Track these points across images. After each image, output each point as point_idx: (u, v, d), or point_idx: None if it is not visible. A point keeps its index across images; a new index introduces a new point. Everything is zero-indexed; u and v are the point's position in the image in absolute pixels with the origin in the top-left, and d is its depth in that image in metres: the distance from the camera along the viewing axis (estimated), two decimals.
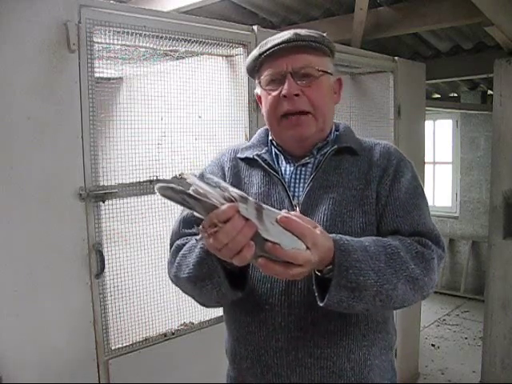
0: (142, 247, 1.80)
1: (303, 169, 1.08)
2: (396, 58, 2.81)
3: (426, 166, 3.29)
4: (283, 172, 1.09)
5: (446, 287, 5.48)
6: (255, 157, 1.09)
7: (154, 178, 1.75)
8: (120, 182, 1.66)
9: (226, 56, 2.05)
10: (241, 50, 2.00)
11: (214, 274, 0.91)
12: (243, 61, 2.00)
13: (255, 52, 1.07)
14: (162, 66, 1.98)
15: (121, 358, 1.66)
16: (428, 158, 5.07)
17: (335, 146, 1.06)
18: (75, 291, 1.55)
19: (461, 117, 5.48)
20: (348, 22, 2.99)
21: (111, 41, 1.68)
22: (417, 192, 1.04)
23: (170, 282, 1.90)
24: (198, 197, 0.74)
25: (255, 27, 2.02)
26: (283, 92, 1.01)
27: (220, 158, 1.18)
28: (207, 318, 1.91)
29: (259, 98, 1.13)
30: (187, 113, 1.90)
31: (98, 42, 1.62)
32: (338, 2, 3.10)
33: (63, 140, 1.50)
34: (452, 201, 5.67)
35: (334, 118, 1.15)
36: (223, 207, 0.73)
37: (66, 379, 1.51)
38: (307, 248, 0.79)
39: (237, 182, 1.10)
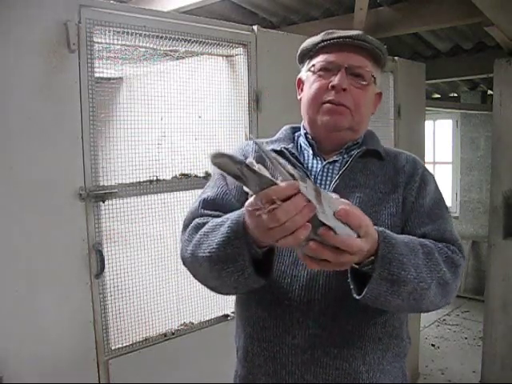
0: (141, 247, 1.80)
1: (330, 167, 1.08)
2: (396, 58, 2.81)
3: (426, 166, 3.28)
4: (310, 167, 1.09)
5: None
6: (283, 149, 1.08)
7: (154, 178, 1.75)
8: (120, 182, 1.66)
9: (226, 56, 2.05)
10: (241, 50, 2.00)
11: (238, 258, 0.84)
12: (243, 61, 2.00)
13: (317, 37, 1.08)
14: (161, 66, 1.98)
15: (121, 358, 1.66)
16: (428, 158, 5.07)
17: (363, 148, 1.08)
18: (75, 291, 1.55)
19: (461, 117, 5.48)
20: (348, 21, 2.99)
21: (111, 41, 1.68)
22: (441, 203, 1.06)
23: (169, 282, 1.91)
24: (258, 170, 0.67)
25: (255, 27, 2.02)
26: (333, 82, 1.03)
27: (243, 147, 1.14)
28: (207, 318, 1.91)
29: (300, 82, 1.14)
30: (187, 113, 1.90)
31: (98, 42, 1.62)
32: (337, 2, 3.10)
33: (63, 140, 1.50)
34: (452, 201, 5.67)
35: None
36: (284, 184, 0.68)
37: (66, 379, 1.51)
38: (358, 236, 0.77)
39: None
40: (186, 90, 1.88)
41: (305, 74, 1.12)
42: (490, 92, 4.99)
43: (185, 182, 1.84)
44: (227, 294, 1.05)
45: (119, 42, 1.71)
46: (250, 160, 0.67)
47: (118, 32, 1.62)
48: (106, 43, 1.68)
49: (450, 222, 1.05)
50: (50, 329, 1.50)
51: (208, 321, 1.91)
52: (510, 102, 2.91)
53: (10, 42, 1.38)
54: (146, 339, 1.74)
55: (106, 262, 1.60)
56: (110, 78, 1.89)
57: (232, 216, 0.86)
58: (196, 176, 1.88)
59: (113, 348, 1.65)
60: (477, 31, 3.31)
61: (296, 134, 1.16)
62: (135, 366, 1.70)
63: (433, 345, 4.08)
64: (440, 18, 2.86)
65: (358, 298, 0.85)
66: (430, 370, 3.58)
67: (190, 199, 1.88)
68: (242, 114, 2.01)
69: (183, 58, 1.95)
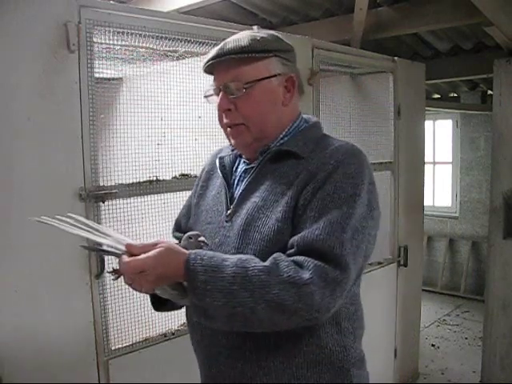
0: None
1: (248, 172, 1.10)
2: (396, 58, 2.81)
3: (426, 165, 3.29)
4: (238, 172, 1.13)
5: (446, 287, 5.48)
6: (217, 160, 1.16)
7: (154, 178, 1.75)
8: (120, 182, 1.66)
9: None
10: None
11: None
12: None
13: None
14: (161, 66, 1.98)
15: (121, 358, 1.66)
16: (428, 158, 5.07)
17: (273, 149, 1.05)
18: (75, 291, 1.55)
19: (461, 117, 5.48)
20: (348, 22, 2.99)
21: (111, 41, 1.68)
22: (340, 201, 0.93)
23: None
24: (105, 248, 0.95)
25: (255, 27, 2.02)
26: (217, 107, 1.06)
27: (210, 158, 1.27)
28: None
29: None
30: (187, 113, 1.90)
31: (97, 42, 1.62)
32: (337, 2, 3.10)
33: (63, 140, 1.50)
34: (452, 201, 5.67)
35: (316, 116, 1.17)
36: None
37: (65, 379, 1.51)
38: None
39: (205, 186, 1.20)
40: (185, 89, 1.88)
41: None
42: (489, 92, 4.99)
43: (185, 181, 1.84)
44: None
45: (119, 42, 1.71)
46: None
47: (118, 32, 1.62)
48: (105, 43, 1.69)
49: (338, 226, 0.91)
50: (49, 329, 1.50)
51: None
52: (510, 102, 2.91)
53: (10, 42, 1.38)
54: (145, 339, 1.74)
55: (105, 262, 1.60)
56: (110, 78, 1.90)
57: None
58: (196, 176, 1.87)
59: (113, 348, 1.65)
60: (477, 31, 3.32)
61: None
62: (135, 365, 1.70)
63: (433, 345, 4.08)
64: (440, 18, 2.87)
65: None
66: (430, 370, 3.58)
67: None
68: None
69: (183, 57, 1.95)
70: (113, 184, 1.63)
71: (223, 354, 1.02)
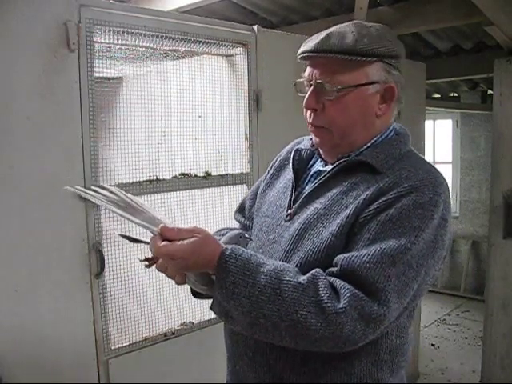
0: (141, 247, 1.79)
1: (321, 174, 1.03)
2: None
3: None
4: (313, 170, 1.06)
5: (446, 287, 5.48)
6: (293, 151, 1.08)
7: (154, 177, 1.75)
8: (120, 181, 1.66)
9: (226, 56, 2.05)
10: (241, 49, 2.00)
11: None
12: (243, 60, 2.00)
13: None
14: (161, 66, 1.98)
15: (121, 358, 1.66)
16: (428, 157, 5.07)
17: (350, 158, 0.97)
18: (75, 291, 1.55)
19: (461, 117, 5.49)
20: (348, 21, 2.98)
21: (111, 40, 1.68)
22: (401, 231, 0.85)
23: (169, 281, 1.91)
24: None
25: (255, 27, 2.02)
26: (303, 103, 0.98)
27: (289, 146, 1.18)
28: (207, 318, 1.91)
29: None
30: (187, 113, 1.90)
31: (97, 42, 1.62)
32: (338, 2, 3.10)
33: (63, 140, 1.50)
34: (452, 200, 5.67)
35: None
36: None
37: (65, 379, 1.51)
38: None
39: (275, 175, 1.14)
40: (185, 89, 1.87)
41: None
42: (490, 92, 4.99)
43: (185, 181, 1.84)
44: None
45: (119, 42, 1.71)
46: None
47: (118, 32, 1.62)
48: (106, 43, 1.68)
49: (390, 258, 0.83)
50: (49, 329, 1.50)
51: (208, 321, 1.91)
52: (510, 102, 2.91)
53: (10, 41, 1.38)
54: (145, 339, 1.74)
55: (105, 262, 1.60)
56: (110, 78, 1.89)
57: None
58: (196, 176, 1.88)
59: (113, 348, 1.65)
60: (477, 31, 3.31)
61: None
62: (135, 365, 1.70)
63: (433, 344, 4.08)
64: (440, 18, 2.86)
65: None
66: (429, 370, 3.58)
67: (189, 199, 1.88)
68: (242, 114, 2.01)
69: (183, 57, 1.95)
70: (113, 183, 1.63)
71: (248, 355, 0.98)
